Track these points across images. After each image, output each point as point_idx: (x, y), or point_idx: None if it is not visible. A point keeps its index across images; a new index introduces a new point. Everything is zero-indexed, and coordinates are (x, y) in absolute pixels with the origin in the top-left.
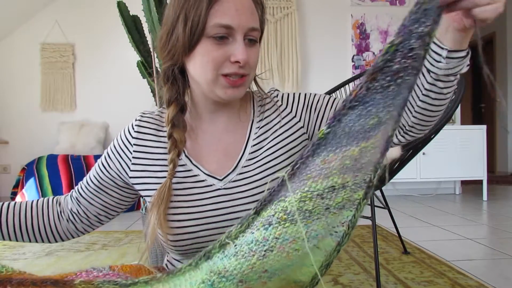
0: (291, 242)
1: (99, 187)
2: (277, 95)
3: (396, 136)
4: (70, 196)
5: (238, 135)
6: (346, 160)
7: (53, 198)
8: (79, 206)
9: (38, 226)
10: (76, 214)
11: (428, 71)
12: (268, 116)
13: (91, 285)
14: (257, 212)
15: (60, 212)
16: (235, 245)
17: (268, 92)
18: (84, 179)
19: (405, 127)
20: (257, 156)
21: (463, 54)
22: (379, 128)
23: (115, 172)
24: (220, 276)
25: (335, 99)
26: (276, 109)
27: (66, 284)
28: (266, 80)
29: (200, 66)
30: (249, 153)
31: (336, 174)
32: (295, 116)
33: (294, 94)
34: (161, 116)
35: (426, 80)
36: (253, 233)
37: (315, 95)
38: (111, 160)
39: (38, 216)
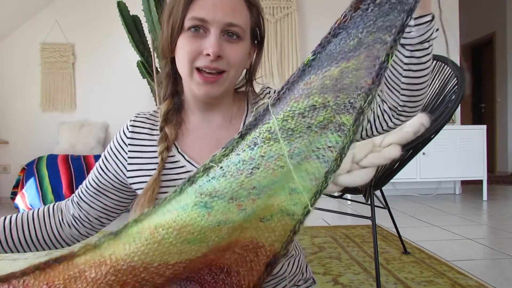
0: (276, 159)
1: (99, 190)
2: (269, 92)
3: (391, 120)
4: (71, 201)
5: (232, 131)
6: (326, 80)
7: (53, 205)
8: (80, 211)
9: (43, 236)
10: (78, 219)
11: (403, 45)
12: None
13: (90, 246)
14: (242, 137)
15: (62, 219)
16: (221, 167)
17: (261, 89)
18: (84, 183)
19: (397, 108)
20: None
21: (429, 18)
22: (360, 49)
23: (113, 174)
24: (212, 196)
25: None
26: None
27: (67, 256)
28: (259, 77)
29: (179, 60)
30: None
31: (316, 93)
32: None
33: None
34: (155, 116)
35: (404, 55)
36: (239, 154)
37: None
38: (108, 163)
39: (40, 226)
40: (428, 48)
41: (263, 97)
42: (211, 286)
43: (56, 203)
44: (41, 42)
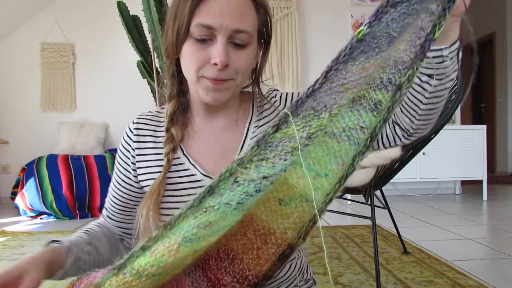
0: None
1: (124, 206)
2: (275, 95)
3: (400, 140)
4: (107, 221)
5: (236, 134)
6: (381, 61)
7: (100, 224)
8: (119, 229)
9: (111, 255)
10: (121, 235)
11: (430, 76)
12: (266, 116)
13: (92, 287)
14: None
15: (114, 235)
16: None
17: (267, 92)
18: (107, 204)
19: (409, 131)
20: None
21: (458, 43)
22: (410, 26)
23: (131, 185)
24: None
25: None
26: (274, 109)
27: None
28: (266, 80)
29: (186, 65)
30: None
31: (368, 84)
32: None
33: (292, 93)
34: (159, 116)
35: (431, 84)
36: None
37: None
38: (123, 174)
39: (111, 248)
40: (455, 71)
41: (269, 100)
42: (212, 272)
43: (99, 223)
44: (41, 42)
